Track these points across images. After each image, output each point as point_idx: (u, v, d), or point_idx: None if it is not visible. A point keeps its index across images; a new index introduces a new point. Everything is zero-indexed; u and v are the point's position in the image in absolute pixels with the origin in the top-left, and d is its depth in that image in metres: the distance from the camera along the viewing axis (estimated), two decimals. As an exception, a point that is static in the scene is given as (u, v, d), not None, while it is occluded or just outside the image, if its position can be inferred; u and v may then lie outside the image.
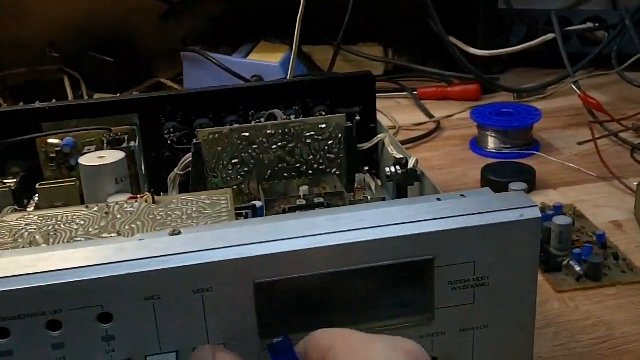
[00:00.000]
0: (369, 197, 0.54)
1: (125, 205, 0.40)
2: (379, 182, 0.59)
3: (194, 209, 0.39)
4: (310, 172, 0.59)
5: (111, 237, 0.36)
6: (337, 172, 0.59)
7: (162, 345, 0.31)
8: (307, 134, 0.58)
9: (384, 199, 0.52)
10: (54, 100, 0.61)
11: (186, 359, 0.32)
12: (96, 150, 0.54)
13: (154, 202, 0.40)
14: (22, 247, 0.35)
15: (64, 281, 0.29)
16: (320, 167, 0.59)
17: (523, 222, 0.33)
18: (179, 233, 0.33)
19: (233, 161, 0.57)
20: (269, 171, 0.58)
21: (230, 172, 0.57)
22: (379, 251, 0.32)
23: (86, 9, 1.08)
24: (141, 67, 1.04)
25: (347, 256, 0.32)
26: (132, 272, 0.30)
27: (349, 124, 0.58)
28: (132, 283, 0.30)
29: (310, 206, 0.50)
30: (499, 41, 1.02)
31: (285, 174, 0.58)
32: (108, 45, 1.04)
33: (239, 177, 0.58)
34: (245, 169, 0.58)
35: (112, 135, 0.55)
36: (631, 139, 0.75)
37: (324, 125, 0.58)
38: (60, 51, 1.04)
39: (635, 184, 0.61)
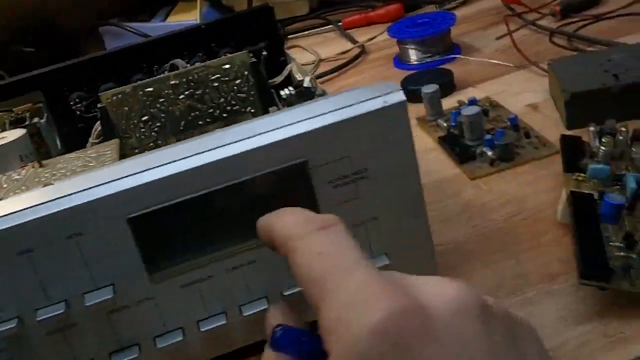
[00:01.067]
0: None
1: (12, 175, 0.40)
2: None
3: (80, 164, 0.39)
4: (224, 115, 0.58)
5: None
6: (252, 110, 0.58)
7: (48, 296, 0.31)
8: (213, 77, 0.57)
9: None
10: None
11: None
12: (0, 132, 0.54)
13: (40, 166, 0.39)
14: None
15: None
16: (234, 108, 0.58)
17: (387, 109, 0.32)
18: (51, 184, 0.32)
19: (143, 118, 0.56)
20: (183, 122, 0.57)
21: (143, 130, 0.57)
22: (252, 162, 0.32)
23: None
24: (65, 49, 1.02)
25: (219, 173, 0.32)
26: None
27: (254, 60, 0.57)
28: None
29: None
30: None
31: (200, 122, 0.58)
32: (27, 34, 1.02)
33: (152, 133, 0.57)
34: (158, 124, 0.57)
35: (13, 115, 0.54)
36: (551, 25, 0.75)
37: (227, 66, 0.57)
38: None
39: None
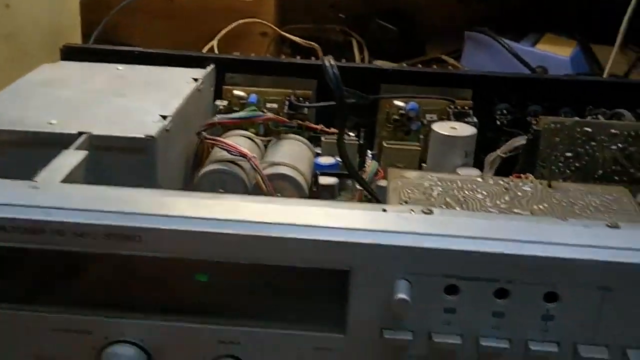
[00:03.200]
0: None
1: (520, 184, 0.40)
2: None
3: (598, 202, 0.38)
4: (643, 180, 0.55)
5: (526, 214, 0.36)
6: (675, 187, 0.55)
7: (597, 337, 0.30)
8: (652, 140, 0.54)
9: None
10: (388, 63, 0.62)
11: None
12: (438, 120, 0.55)
13: (549, 186, 0.39)
14: (438, 206, 0.36)
15: (522, 254, 0.29)
16: (656, 177, 0.55)
17: None
18: (617, 226, 0.32)
19: (567, 154, 0.55)
20: (600, 171, 0.55)
21: (560, 164, 0.55)
22: None
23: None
24: (420, 40, 1.05)
25: None
26: (593, 259, 0.29)
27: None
28: (589, 270, 0.29)
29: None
30: None
31: (616, 177, 0.56)
32: (390, 14, 1.05)
33: (567, 171, 0.56)
34: (577, 165, 0.55)
35: (456, 107, 0.55)
36: None
37: (671, 135, 0.54)
38: (342, 12, 1.07)
39: None
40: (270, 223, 0.31)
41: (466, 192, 0.38)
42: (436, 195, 0.38)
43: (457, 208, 0.36)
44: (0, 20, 0.58)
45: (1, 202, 0.31)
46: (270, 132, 0.54)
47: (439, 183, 0.39)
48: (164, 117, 0.45)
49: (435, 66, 0.87)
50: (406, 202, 0.36)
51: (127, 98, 0.48)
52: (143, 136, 0.41)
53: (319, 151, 0.54)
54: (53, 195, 0.32)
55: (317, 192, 0.49)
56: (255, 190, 0.46)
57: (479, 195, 0.38)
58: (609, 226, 0.32)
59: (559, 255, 0.29)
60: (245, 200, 0.33)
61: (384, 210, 0.33)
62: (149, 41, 0.97)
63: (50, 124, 0.42)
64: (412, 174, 0.41)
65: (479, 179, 0.40)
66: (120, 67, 0.55)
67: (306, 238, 0.30)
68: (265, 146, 0.53)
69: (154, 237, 0.30)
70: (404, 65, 0.60)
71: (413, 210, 0.32)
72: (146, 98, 0.49)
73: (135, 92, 0.50)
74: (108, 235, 0.30)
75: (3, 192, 0.32)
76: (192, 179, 0.49)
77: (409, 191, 0.38)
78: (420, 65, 0.93)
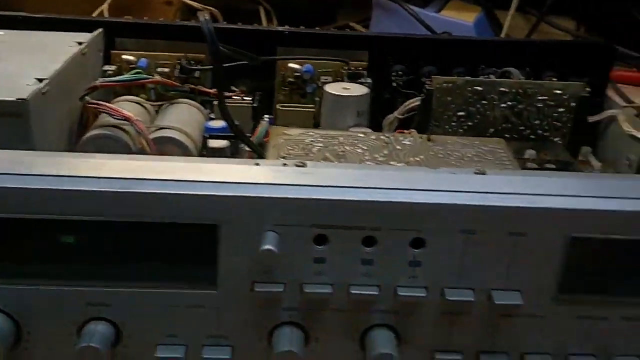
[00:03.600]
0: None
1: (400, 138, 0.40)
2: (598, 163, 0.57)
3: (473, 153, 0.39)
4: (532, 136, 0.57)
5: (400, 166, 0.36)
6: (560, 142, 0.57)
7: (462, 280, 0.31)
8: (540, 98, 0.56)
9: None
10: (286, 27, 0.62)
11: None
12: (333, 81, 0.55)
13: (429, 140, 0.40)
14: (316, 161, 0.36)
15: (388, 200, 0.30)
16: (545, 134, 0.57)
17: None
18: (484, 173, 0.32)
19: (459, 113, 0.56)
20: (492, 129, 0.57)
21: (453, 123, 0.56)
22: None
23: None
24: (330, 7, 1.04)
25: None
26: (453, 203, 0.30)
27: (586, 94, 0.56)
28: (452, 215, 0.30)
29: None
30: None
31: (507, 135, 0.57)
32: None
33: (460, 130, 0.57)
34: (469, 123, 0.56)
35: (350, 68, 0.55)
36: None
37: (559, 92, 0.56)
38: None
39: None
40: (137, 179, 0.30)
41: (347, 147, 0.38)
42: (316, 151, 0.38)
43: (335, 162, 0.36)
44: None
45: None
46: (162, 97, 0.53)
47: (321, 139, 0.39)
48: (40, 80, 0.43)
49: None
50: (284, 157, 0.36)
51: (4, 62, 0.46)
52: (15, 99, 0.40)
53: (213, 116, 0.53)
54: None
55: (207, 156, 0.48)
56: (140, 153, 0.45)
57: (359, 150, 0.38)
58: (476, 173, 0.32)
59: (422, 201, 0.30)
60: (113, 158, 0.32)
61: (257, 165, 0.32)
62: (41, 9, 0.94)
63: None
64: (294, 131, 0.40)
65: (361, 135, 0.41)
66: (2, 32, 0.52)
67: (172, 192, 0.29)
68: (157, 112, 0.52)
69: (16, 197, 0.29)
70: (298, 28, 0.59)
71: (286, 164, 0.32)
72: (25, 62, 0.46)
73: (14, 56, 0.48)
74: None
75: None
76: (76, 145, 0.47)
77: (290, 148, 0.38)
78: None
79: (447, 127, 0.56)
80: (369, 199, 0.30)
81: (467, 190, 0.30)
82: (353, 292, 0.31)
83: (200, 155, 0.47)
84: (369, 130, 0.49)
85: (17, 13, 0.57)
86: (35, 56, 0.48)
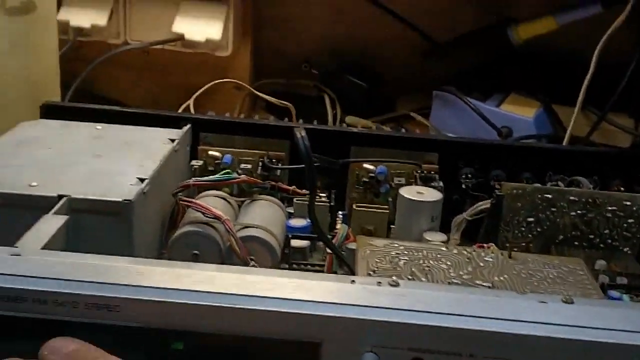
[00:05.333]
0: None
1: (482, 254, 0.42)
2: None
3: (555, 274, 0.40)
4: (601, 245, 0.58)
5: (486, 286, 0.38)
6: (630, 252, 0.58)
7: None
8: (609, 208, 0.57)
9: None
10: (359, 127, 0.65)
11: None
12: (406, 183, 0.57)
13: (510, 257, 0.41)
14: (405, 278, 0.38)
15: (484, 329, 0.31)
16: (614, 244, 0.58)
17: None
18: (572, 302, 0.34)
19: (528, 219, 0.58)
20: (561, 236, 0.58)
21: (523, 229, 0.58)
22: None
23: (342, 33, 1.13)
24: (389, 96, 1.08)
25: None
26: (547, 336, 0.31)
27: (656, 207, 0.57)
28: (543, 347, 0.31)
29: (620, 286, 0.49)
30: None
31: (576, 242, 0.58)
32: (360, 70, 1.09)
33: (529, 235, 0.58)
34: (538, 229, 0.58)
35: (423, 171, 0.58)
36: None
37: (628, 203, 0.57)
38: (315, 68, 1.11)
39: None
40: (244, 295, 0.32)
41: (431, 261, 0.40)
42: (402, 264, 0.40)
43: (423, 278, 0.38)
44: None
45: (-17, 270, 0.32)
46: (243, 192, 0.56)
47: (405, 252, 0.41)
48: (142, 180, 0.46)
49: (403, 128, 0.89)
50: (374, 272, 0.38)
51: (104, 159, 0.50)
52: (121, 200, 0.43)
53: (291, 210, 0.56)
54: (35, 263, 0.33)
55: (289, 254, 0.50)
56: (228, 252, 0.48)
57: (443, 266, 0.40)
58: (564, 302, 0.34)
59: (516, 332, 0.31)
60: (220, 270, 0.35)
61: (353, 282, 0.34)
62: (124, 92, 0.99)
63: (31, 186, 0.43)
64: (379, 242, 0.42)
65: (443, 248, 0.42)
66: (99, 126, 0.56)
67: (278, 310, 0.31)
68: (239, 206, 0.55)
69: (132, 308, 0.31)
70: (373, 127, 0.62)
71: (380, 282, 0.34)
72: (123, 159, 0.50)
73: (113, 152, 0.51)
74: (88, 305, 0.31)
75: (-17, 259, 0.33)
76: (167, 240, 0.50)
77: (377, 260, 0.40)
78: (388, 127, 0.96)
79: (516, 232, 0.58)
80: (465, 327, 0.31)
81: (560, 323, 0.31)
82: (445, 415, 0.32)
83: (282, 253, 0.50)
84: (444, 237, 0.51)
85: (111, 107, 0.61)
86: (133, 153, 0.51)
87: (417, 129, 0.98)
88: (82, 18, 0.87)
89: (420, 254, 0.41)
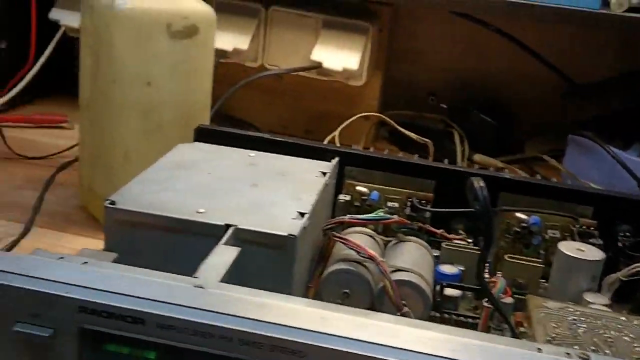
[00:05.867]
0: None
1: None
2: None
3: None
4: None
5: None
6: None
7: None
8: None
9: None
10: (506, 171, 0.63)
11: None
12: (561, 237, 0.55)
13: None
14: (587, 349, 0.36)
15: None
16: None
17: None
18: None
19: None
20: None
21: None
22: None
23: (472, 67, 1.12)
24: (518, 136, 1.05)
25: None
26: None
27: None
28: None
29: None
30: None
31: None
32: (490, 107, 1.06)
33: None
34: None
35: (580, 226, 0.55)
36: None
37: None
38: (442, 102, 1.09)
39: None
40: (426, 354, 0.31)
41: (612, 332, 0.38)
42: (582, 333, 0.37)
43: (607, 351, 0.36)
44: (143, 97, 0.61)
45: (170, 300, 0.32)
46: (389, 231, 0.55)
47: (582, 319, 0.39)
48: (302, 215, 0.46)
49: (535, 171, 0.86)
50: (553, 339, 0.36)
51: (261, 188, 0.50)
52: (287, 234, 0.43)
53: (437, 254, 0.54)
54: (219, 298, 0.33)
55: (440, 302, 0.49)
56: (380, 294, 0.47)
57: (626, 338, 0.37)
58: None
59: None
60: (400, 322, 0.34)
61: (539, 350, 0.32)
62: (256, 114, 1.01)
63: (199, 212, 0.44)
64: (553, 305, 0.40)
65: (623, 317, 0.40)
66: (252, 153, 0.57)
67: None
68: (385, 245, 0.54)
69: (318, 355, 0.31)
70: (502, 167, 0.60)
71: (569, 354, 0.32)
72: (280, 190, 0.50)
73: (268, 182, 0.51)
74: (273, 347, 0.31)
75: (170, 289, 0.33)
76: (315, 275, 0.49)
77: (554, 326, 0.38)
78: (517, 168, 0.93)
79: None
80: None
81: None
82: None
83: (434, 300, 0.48)
84: (605, 300, 0.48)
85: (262, 134, 0.62)
86: (287, 184, 0.51)
87: (549, 172, 0.95)
88: (225, 41, 0.89)
89: (599, 322, 0.39)
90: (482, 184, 0.41)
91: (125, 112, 0.62)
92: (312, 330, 0.31)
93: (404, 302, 0.46)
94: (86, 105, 0.67)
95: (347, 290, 0.47)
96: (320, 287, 0.48)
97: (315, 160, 0.57)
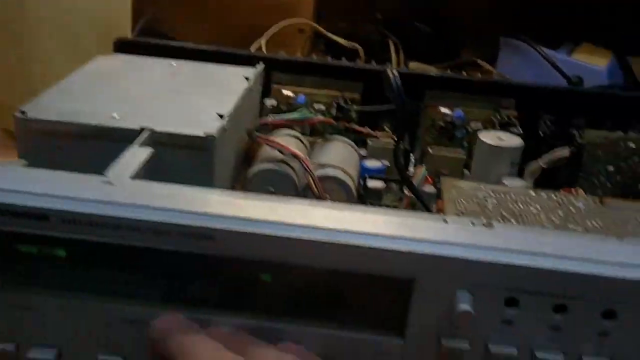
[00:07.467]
0: None
1: (572, 199, 0.41)
2: None
3: (654, 222, 0.39)
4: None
5: (580, 230, 0.36)
6: None
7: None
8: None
9: None
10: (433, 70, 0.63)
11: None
12: (483, 128, 0.56)
13: (601, 202, 0.40)
14: (495, 220, 0.37)
15: (583, 272, 0.30)
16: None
17: None
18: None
19: (608, 167, 0.56)
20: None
21: (602, 177, 0.56)
22: None
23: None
24: (454, 43, 1.05)
25: None
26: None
27: None
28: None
29: None
30: None
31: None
32: (425, 16, 1.06)
33: (608, 184, 0.56)
34: (618, 179, 0.56)
35: (504, 117, 0.56)
36: None
37: None
38: (380, 14, 1.08)
39: None
40: (338, 230, 0.32)
41: (520, 205, 0.39)
42: (491, 207, 0.39)
43: (513, 221, 0.37)
44: (53, 12, 0.59)
45: (78, 196, 0.32)
46: (315, 133, 0.55)
47: (492, 194, 0.40)
48: (221, 116, 0.46)
49: (464, 72, 0.87)
50: (462, 213, 0.37)
51: (183, 94, 0.50)
52: (204, 134, 0.42)
53: (363, 153, 0.55)
54: (128, 192, 0.33)
55: (364, 195, 0.50)
56: (304, 190, 0.47)
57: (533, 209, 0.39)
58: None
59: (616, 275, 0.30)
60: (314, 205, 0.34)
61: (445, 221, 0.33)
62: (187, 31, 0.99)
63: (113, 117, 0.43)
64: (465, 185, 0.41)
65: (532, 192, 0.41)
66: (174, 62, 0.56)
67: (374, 246, 0.31)
68: (311, 146, 0.54)
69: (227, 238, 0.31)
70: (444, 72, 0.60)
71: (474, 223, 0.33)
72: (202, 95, 0.50)
73: (191, 88, 0.51)
74: (182, 235, 0.31)
75: (77, 186, 0.33)
76: (241, 176, 0.50)
77: (465, 202, 0.39)
78: (449, 70, 0.94)
79: (595, 180, 0.56)
80: (563, 269, 0.30)
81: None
82: (538, 356, 0.32)
83: (359, 194, 0.49)
84: (523, 183, 0.50)
85: (185, 44, 0.61)
86: (211, 90, 0.51)
87: (483, 76, 0.95)
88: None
89: (508, 197, 0.40)
90: (395, 73, 0.41)
91: (42, 27, 0.60)
92: (220, 215, 0.32)
93: (327, 196, 0.47)
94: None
95: (272, 188, 0.48)
96: (245, 187, 0.48)
97: (239, 67, 0.56)
